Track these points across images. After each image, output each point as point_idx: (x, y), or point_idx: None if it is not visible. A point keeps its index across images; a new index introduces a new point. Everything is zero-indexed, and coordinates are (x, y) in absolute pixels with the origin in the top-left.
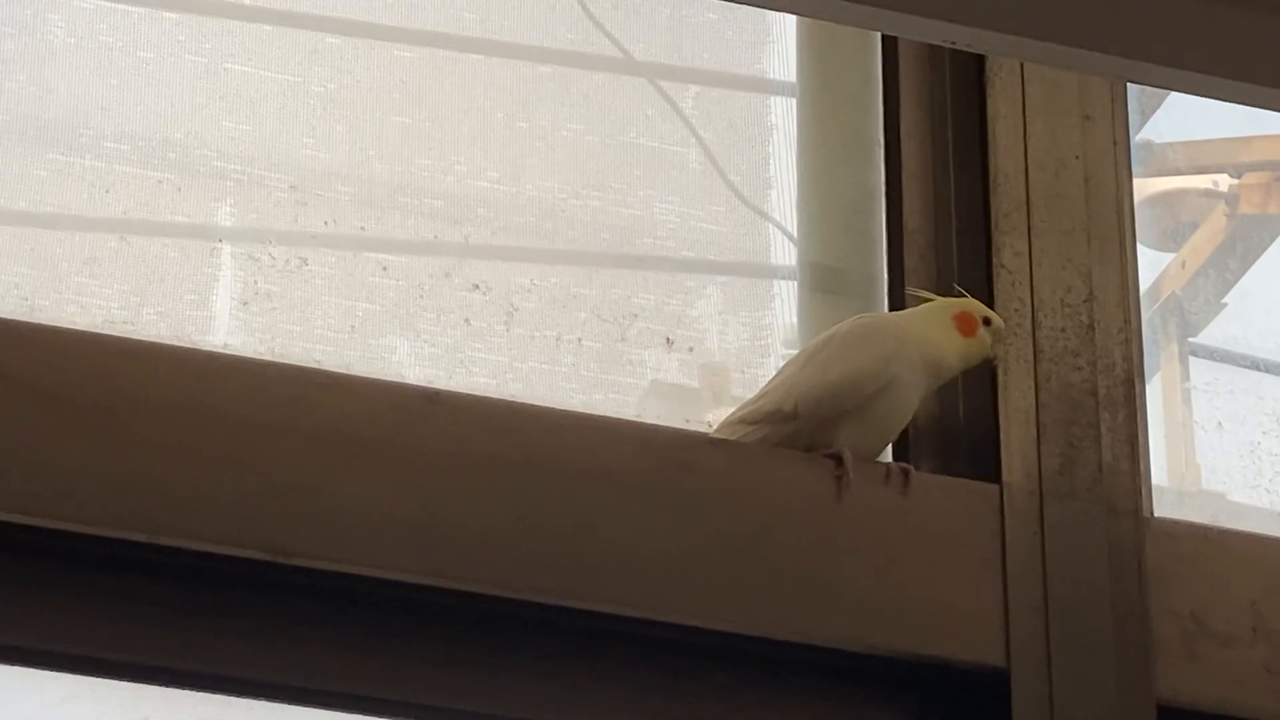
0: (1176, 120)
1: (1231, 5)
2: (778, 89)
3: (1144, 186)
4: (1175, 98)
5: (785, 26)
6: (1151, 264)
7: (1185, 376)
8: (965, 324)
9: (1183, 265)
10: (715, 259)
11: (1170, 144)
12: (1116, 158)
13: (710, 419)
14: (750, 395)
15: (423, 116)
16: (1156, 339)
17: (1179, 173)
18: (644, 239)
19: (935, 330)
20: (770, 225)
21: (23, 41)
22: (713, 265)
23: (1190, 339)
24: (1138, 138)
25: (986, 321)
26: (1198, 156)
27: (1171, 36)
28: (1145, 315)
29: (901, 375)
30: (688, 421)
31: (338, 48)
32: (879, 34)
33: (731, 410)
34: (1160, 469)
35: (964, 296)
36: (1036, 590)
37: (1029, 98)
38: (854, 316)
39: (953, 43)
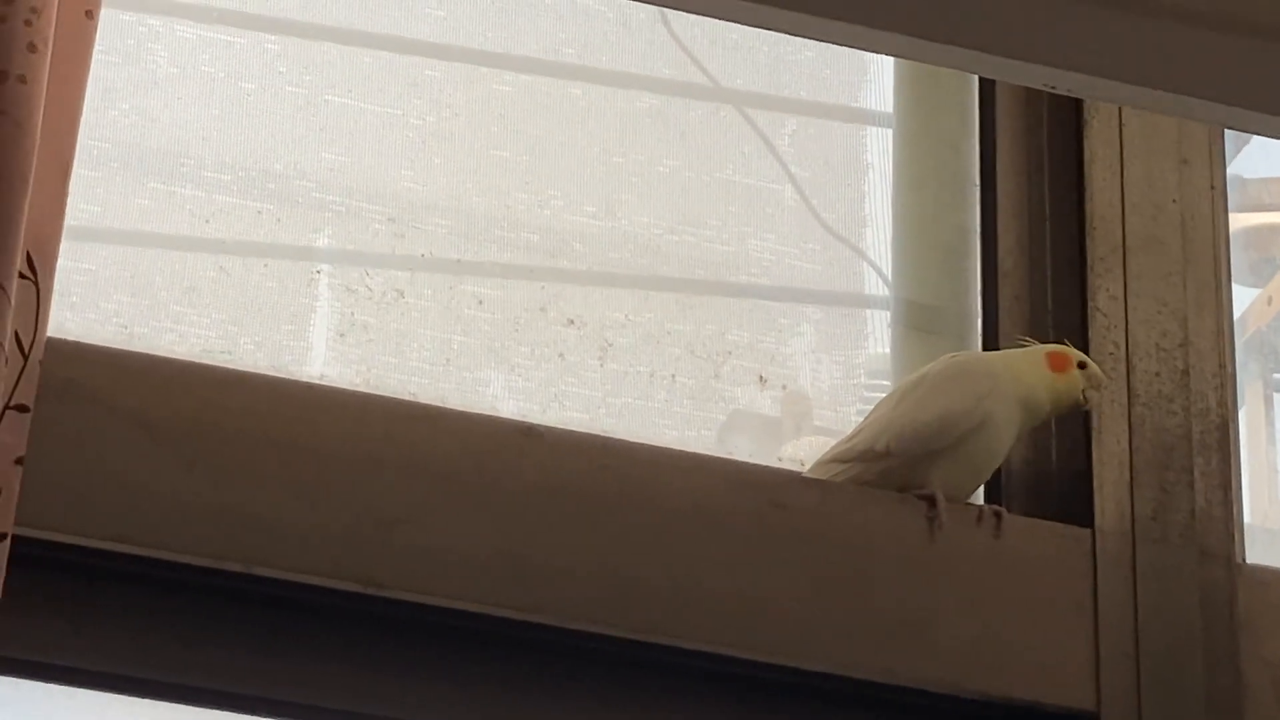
0: (1266, 156)
1: None
2: (874, 120)
3: (1232, 221)
4: None
5: (882, 66)
6: (1236, 299)
7: (1270, 414)
8: (1057, 361)
9: (1269, 301)
10: (811, 299)
11: (1261, 180)
12: (1214, 202)
13: (790, 450)
14: (839, 429)
15: (520, 150)
16: (1241, 375)
17: (1268, 209)
18: (739, 275)
19: (1027, 367)
20: (865, 264)
21: (126, 71)
22: (807, 295)
23: (1275, 374)
24: (1227, 173)
25: (1082, 365)
26: None
27: (1268, 83)
28: None
29: (995, 414)
30: (780, 460)
31: (437, 80)
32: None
33: (820, 442)
34: (1244, 507)
35: (1065, 344)
36: (1128, 635)
37: (1126, 140)
38: (948, 355)
39: (1053, 87)
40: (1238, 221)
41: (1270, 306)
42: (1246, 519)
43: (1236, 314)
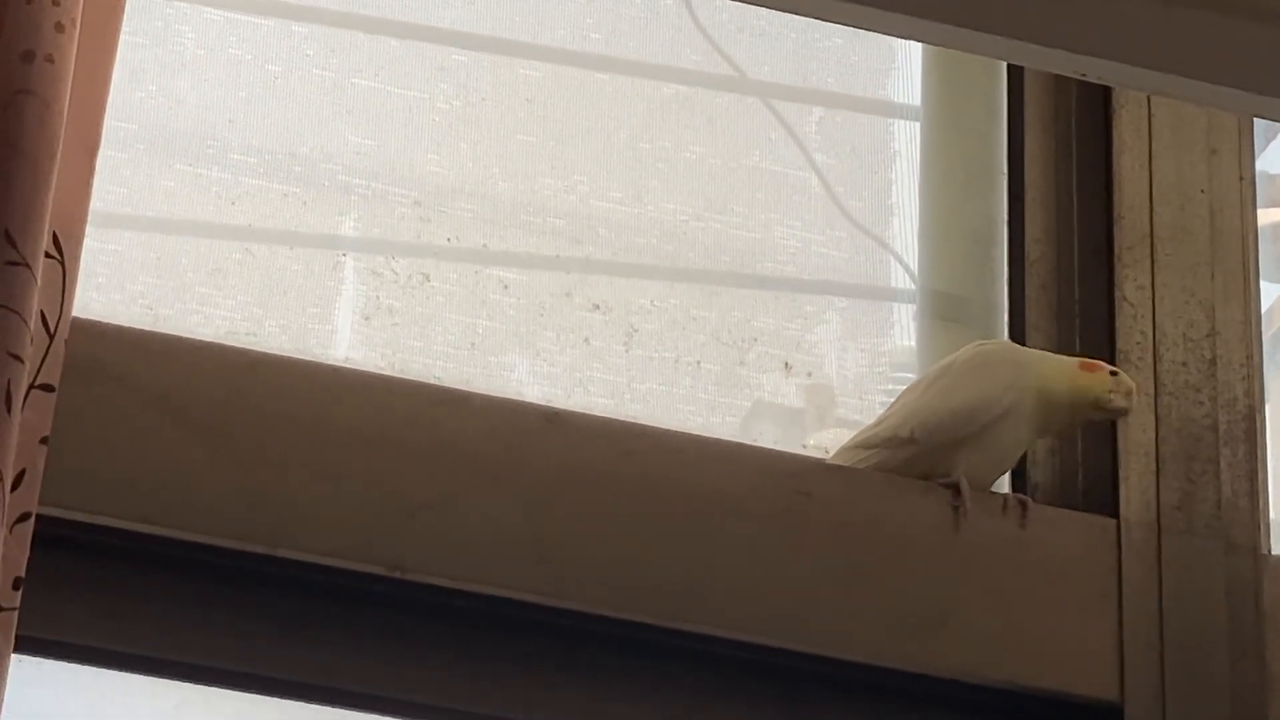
0: None
1: None
2: (901, 112)
3: (1260, 216)
4: None
5: (910, 53)
6: (1266, 294)
7: None
8: (1088, 364)
9: None
10: (836, 290)
11: None
12: (1242, 192)
13: (815, 441)
14: (863, 419)
15: (546, 135)
16: (1269, 368)
17: None
18: (764, 263)
19: (1055, 363)
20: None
21: (153, 52)
22: (832, 287)
23: None
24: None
25: (1114, 373)
26: None
27: None
28: None
29: (1020, 404)
30: (805, 447)
31: (464, 65)
32: (1005, 62)
33: (844, 434)
34: (1272, 499)
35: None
36: (1152, 626)
37: (1155, 130)
38: (975, 343)
39: (1083, 74)
40: (1265, 216)
41: None
42: (1275, 513)
43: (1265, 308)
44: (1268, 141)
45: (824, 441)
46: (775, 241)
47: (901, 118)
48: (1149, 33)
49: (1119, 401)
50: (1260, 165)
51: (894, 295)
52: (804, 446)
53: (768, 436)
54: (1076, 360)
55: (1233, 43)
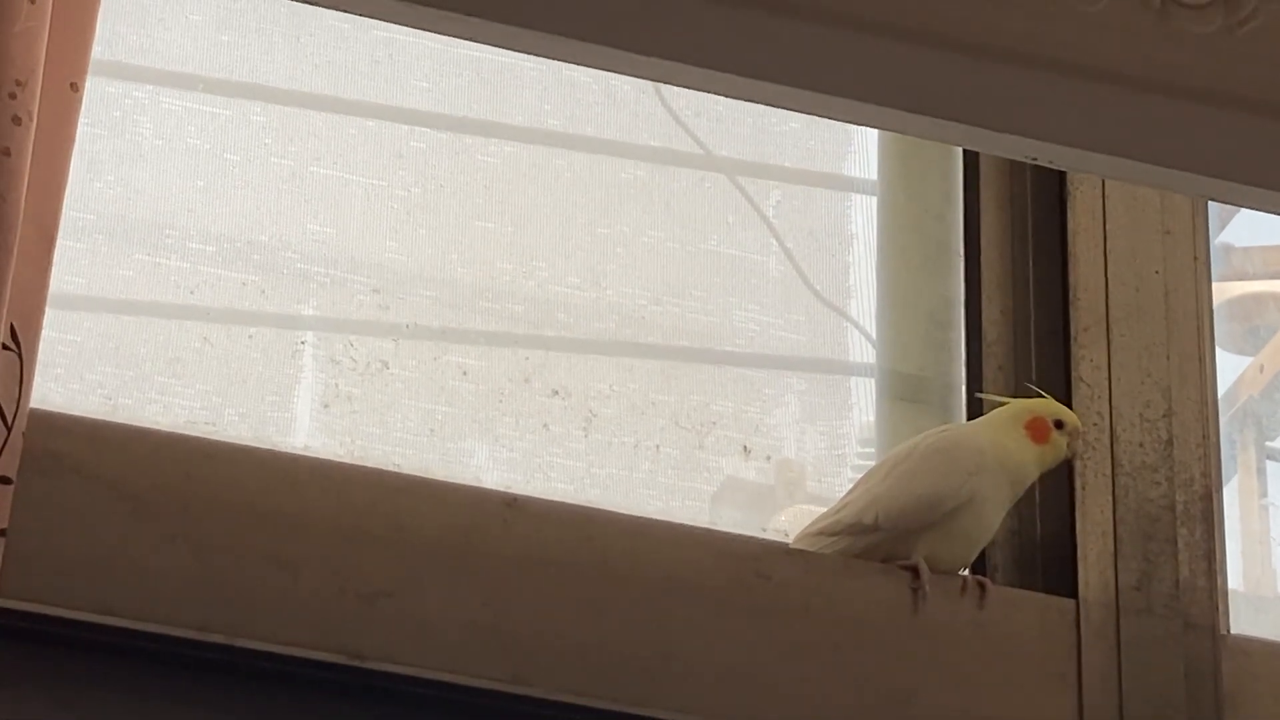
0: (1256, 224)
1: None
2: (858, 187)
3: (1222, 290)
4: None
5: (866, 136)
6: (1229, 367)
7: (1263, 484)
8: (1037, 430)
9: (1260, 369)
10: (795, 366)
11: (1249, 249)
12: (1197, 272)
13: (785, 518)
14: (830, 499)
15: (505, 220)
16: (1234, 442)
17: (1257, 277)
18: (723, 345)
19: (1011, 440)
20: (849, 332)
21: (111, 142)
22: (792, 365)
23: (1268, 442)
24: (1217, 241)
25: (1059, 424)
26: (1277, 261)
27: (1251, 156)
28: (1222, 419)
29: (983, 490)
30: (764, 530)
31: (422, 151)
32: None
33: (807, 518)
34: (1236, 573)
35: (1040, 397)
36: (1112, 706)
37: (1109, 211)
38: (937, 429)
39: (1034, 159)
40: (1227, 290)
41: (1262, 374)
42: (1239, 587)
43: (1228, 383)
44: (1229, 217)
45: (795, 519)
46: (734, 324)
47: (859, 192)
48: (1099, 117)
49: (1078, 447)
50: (1225, 239)
51: (852, 370)
52: (779, 529)
53: (736, 515)
54: (1024, 431)
55: (1182, 126)
